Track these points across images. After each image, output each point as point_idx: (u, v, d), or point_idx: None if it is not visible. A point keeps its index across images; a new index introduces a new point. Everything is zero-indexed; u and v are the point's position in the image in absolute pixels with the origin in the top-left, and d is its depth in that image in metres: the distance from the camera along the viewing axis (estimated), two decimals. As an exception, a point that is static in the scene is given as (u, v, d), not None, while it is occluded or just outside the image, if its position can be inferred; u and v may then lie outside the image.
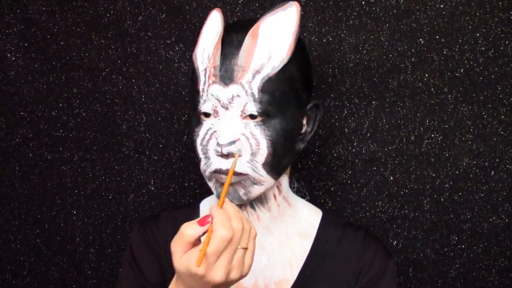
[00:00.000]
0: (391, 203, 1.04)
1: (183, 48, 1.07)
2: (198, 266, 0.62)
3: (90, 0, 1.08)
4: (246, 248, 0.65)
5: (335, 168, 1.05)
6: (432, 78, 1.00)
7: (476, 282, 1.02)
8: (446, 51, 0.99)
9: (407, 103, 1.01)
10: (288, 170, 0.85)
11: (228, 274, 0.63)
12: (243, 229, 0.64)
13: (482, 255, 1.02)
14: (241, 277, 0.65)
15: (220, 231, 0.62)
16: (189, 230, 0.64)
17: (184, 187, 1.10)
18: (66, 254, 1.13)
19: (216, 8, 0.80)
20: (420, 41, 0.99)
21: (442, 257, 1.03)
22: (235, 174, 0.75)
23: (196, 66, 0.78)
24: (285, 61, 0.74)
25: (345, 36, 1.01)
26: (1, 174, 1.13)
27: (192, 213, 0.89)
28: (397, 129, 1.02)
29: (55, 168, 1.12)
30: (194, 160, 1.07)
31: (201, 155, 0.77)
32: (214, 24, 0.79)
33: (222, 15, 0.78)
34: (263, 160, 0.75)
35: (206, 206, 0.90)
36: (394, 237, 1.04)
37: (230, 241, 0.63)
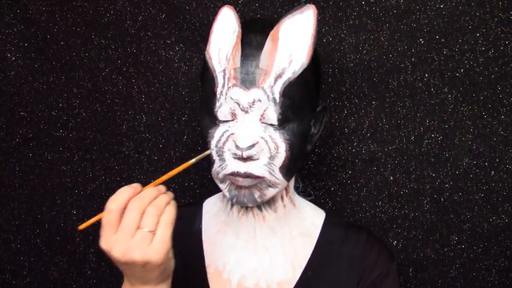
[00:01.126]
0: (391, 203, 1.04)
1: (183, 48, 1.07)
2: (79, 229, 0.67)
3: (90, 0, 1.08)
4: (152, 232, 0.64)
5: (335, 168, 1.05)
6: (432, 78, 1.00)
7: (476, 282, 1.02)
8: (446, 51, 0.99)
9: (407, 103, 1.01)
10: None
11: (125, 252, 0.63)
12: (143, 210, 0.64)
13: (482, 255, 1.02)
14: (145, 261, 0.63)
15: (110, 204, 0.65)
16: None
17: (184, 187, 1.10)
18: (66, 254, 1.13)
19: (227, 5, 0.79)
20: (420, 41, 0.99)
21: (442, 257, 1.03)
22: (252, 177, 0.74)
23: (211, 67, 0.76)
24: (305, 65, 0.73)
25: (345, 36, 1.01)
26: (1, 174, 1.13)
27: (195, 212, 0.89)
28: (397, 129, 1.02)
29: (55, 168, 1.12)
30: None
31: (215, 157, 0.76)
32: (227, 22, 0.77)
33: (235, 12, 0.77)
34: (281, 163, 0.74)
35: (209, 205, 0.89)
36: (394, 237, 1.04)
37: (120, 215, 0.64)
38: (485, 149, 1.00)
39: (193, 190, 1.10)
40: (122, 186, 1.11)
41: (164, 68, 1.08)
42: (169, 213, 0.66)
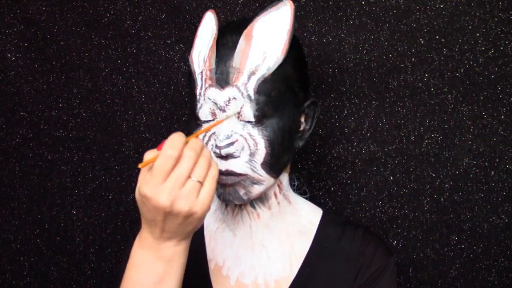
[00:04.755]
0: (391, 203, 1.04)
1: (183, 48, 1.07)
2: (140, 167, 0.62)
3: (90, 0, 1.08)
4: (200, 182, 0.63)
5: (335, 168, 1.05)
6: (432, 78, 1.00)
7: (476, 282, 1.02)
8: (446, 51, 0.99)
9: (407, 103, 1.01)
10: (288, 168, 0.85)
11: (173, 201, 0.61)
12: (196, 160, 0.63)
13: (482, 255, 1.02)
14: (191, 212, 0.62)
15: (167, 150, 0.61)
16: (148, 155, 0.64)
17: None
18: (66, 254, 1.13)
19: (210, 10, 0.80)
20: (420, 41, 0.99)
21: (442, 257, 1.03)
22: (235, 174, 0.75)
23: (192, 70, 0.78)
24: (280, 61, 0.74)
25: (345, 36, 1.01)
26: (1, 174, 1.13)
27: None
28: (397, 129, 1.02)
29: (55, 168, 1.12)
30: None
31: None
32: (208, 25, 0.79)
33: (215, 16, 0.78)
34: (262, 160, 0.75)
35: None
36: (394, 237, 1.04)
37: (177, 162, 0.62)
38: (485, 149, 1.00)
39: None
40: (122, 186, 1.12)
41: (164, 68, 1.08)
42: (215, 167, 0.65)
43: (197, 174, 0.63)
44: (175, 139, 0.63)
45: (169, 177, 0.62)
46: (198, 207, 0.63)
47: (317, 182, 1.06)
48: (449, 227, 1.02)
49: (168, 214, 0.62)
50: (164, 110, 1.09)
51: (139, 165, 0.64)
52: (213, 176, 0.64)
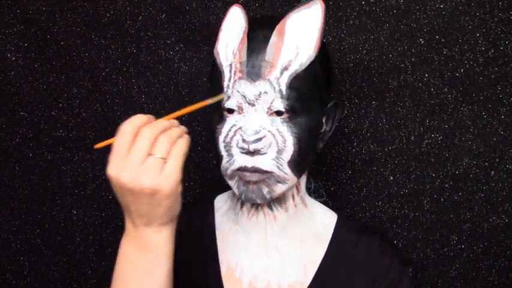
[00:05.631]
0: (391, 203, 1.04)
1: (183, 48, 1.07)
2: (96, 147, 0.63)
3: (90, 0, 1.08)
4: (164, 159, 0.62)
5: (335, 168, 1.05)
6: (432, 78, 1.00)
7: (476, 282, 1.02)
8: (446, 51, 0.99)
9: (407, 103, 1.01)
10: (307, 171, 0.84)
11: (135, 177, 0.61)
12: (156, 137, 0.62)
13: (482, 255, 1.02)
14: (155, 188, 0.61)
15: (124, 126, 0.63)
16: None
17: (185, 187, 1.09)
18: (66, 254, 1.13)
19: (236, 4, 0.80)
20: (420, 41, 0.99)
21: (442, 257, 1.03)
22: (260, 171, 0.73)
23: (219, 62, 0.77)
24: (312, 58, 0.73)
25: (345, 36, 1.01)
26: (1, 174, 1.13)
27: (206, 209, 0.88)
28: (397, 129, 1.02)
29: (55, 168, 1.12)
30: (195, 160, 1.07)
31: (223, 153, 0.76)
32: (235, 19, 0.78)
33: (243, 10, 0.78)
34: (289, 157, 0.74)
35: (220, 202, 0.89)
36: (394, 237, 1.04)
37: (133, 139, 0.62)
38: (485, 149, 1.00)
39: (193, 190, 1.10)
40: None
41: (164, 68, 1.08)
42: (182, 144, 0.64)
43: (158, 150, 0.62)
44: (134, 117, 0.64)
45: (129, 154, 0.62)
46: (161, 182, 0.61)
47: (317, 182, 1.06)
48: (449, 227, 1.02)
49: (133, 192, 0.62)
50: (164, 110, 1.08)
51: (95, 146, 0.65)
52: (176, 153, 0.63)
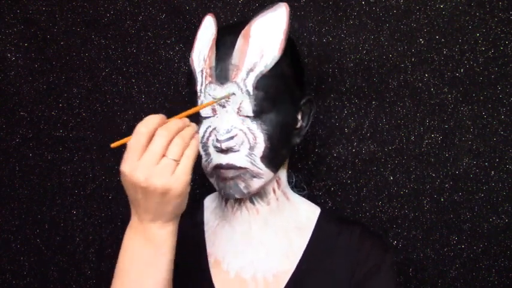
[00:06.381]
0: (391, 203, 1.04)
1: (183, 48, 1.07)
2: (112, 146, 0.66)
3: (90, 0, 1.08)
4: (177, 161, 0.65)
5: (335, 168, 1.05)
6: (432, 78, 1.00)
7: (476, 282, 1.02)
8: (446, 51, 0.99)
9: (407, 103, 1.01)
10: (286, 165, 0.87)
11: (148, 177, 0.63)
12: (171, 139, 0.65)
13: (482, 255, 1.02)
14: (166, 188, 0.64)
15: (140, 127, 0.65)
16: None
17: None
18: (66, 254, 1.13)
19: (209, 13, 0.83)
20: (420, 41, 0.99)
21: (442, 257, 1.03)
22: (235, 168, 0.77)
23: (193, 69, 0.81)
24: (277, 58, 0.77)
25: (345, 36, 1.01)
26: (1, 174, 1.13)
27: (196, 207, 0.91)
28: (397, 129, 1.02)
29: (55, 168, 1.12)
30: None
31: (202, 152, 0.80)
32: (208, 28, 0.82)
33: (215, 19, 0.82)
34: (261, 153, 0.77)
35: (208, 201, 0.92)
36: (394, 237, 1.04)
37: (149, 140, 0.64)
38: (485, 149, 1.00)
39: (192, 190, 1.09)
40: (122, 186, 1.12)
41: (164, 68, 1.08)
42: (194, 146, 0.67)
43: (172, 153, 0.65)
44: (149, 118, 0.66)
45: (144, 154, 0.64)
46: (172, 183, 0.64)
47: (317, 182, 1.06)
48: (449, 227, 1.02)
49: (146, 191, 0.64)
50: (164, 110, 1.09)
51: (112, 145, 0.67)
52: (188, 155, 0.66)
